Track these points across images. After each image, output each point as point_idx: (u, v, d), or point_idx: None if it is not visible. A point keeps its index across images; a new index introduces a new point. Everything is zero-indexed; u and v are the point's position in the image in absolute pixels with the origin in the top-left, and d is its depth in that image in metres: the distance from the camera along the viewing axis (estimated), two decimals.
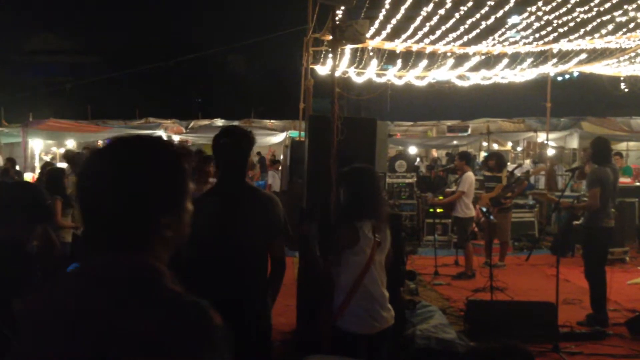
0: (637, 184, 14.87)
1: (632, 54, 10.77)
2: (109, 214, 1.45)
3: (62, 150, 20.89)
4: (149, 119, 24.31)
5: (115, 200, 1.44)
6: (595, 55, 10.91)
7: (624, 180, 14.42)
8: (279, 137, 22.19)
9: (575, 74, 15.08)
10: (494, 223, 10.05)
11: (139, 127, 23.22)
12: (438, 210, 12.64)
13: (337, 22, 6.61)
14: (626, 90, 14.33)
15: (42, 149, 22.26)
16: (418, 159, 25.91)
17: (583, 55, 10.94)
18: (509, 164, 18.33)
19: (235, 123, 26.28)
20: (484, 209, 9.47)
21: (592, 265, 7.49)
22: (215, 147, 3.80)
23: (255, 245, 3.73)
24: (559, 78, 17.65)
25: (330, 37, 6.01)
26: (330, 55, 8.91)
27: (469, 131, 27.31)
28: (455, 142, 25.50)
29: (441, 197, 12.12)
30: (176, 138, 23.62)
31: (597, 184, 7.35)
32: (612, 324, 7.28)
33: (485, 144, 26.19)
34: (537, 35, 9.64)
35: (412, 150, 26.69)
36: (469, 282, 9.66)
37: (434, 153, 27.29)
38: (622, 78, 13.44)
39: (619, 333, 6.95)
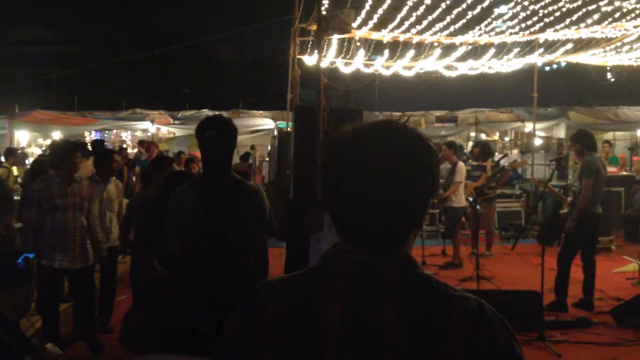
0: (624, 173, 14.99)
1: (618, 44, 10.81)
2: (407, 205, 1.33)
3: (48, 142, 20.76)
4: (137, 110, 24.17)
5: (426, 189, 1.34)
6: (582, 45, 10.94)
7: (611, 169, 14.52)
8: (268, 128, 22.14)
9: (563, 64, 15.11)
10: (480, 213, 10.10)
11: (126, 118, 23.10)
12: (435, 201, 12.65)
13: (323, 12, 6.59)
14: (612, 79, 14.38)
15: (29, 140, 22.11)
16: None
17: (569, 45, 10.97)
18: (496, 154, 18.40)
19: (224, 113, 26.22)
20: (470, 199, 9.51)
21: (572, 252, 7.61)
22: (200, 140, 3.75)
23: (242, 240, 3.71)
24: (547, 68, 17.69)
25: (316, 27, 6.01)
26: (321, 45, 8.89)
27: (458, 121, 27.37)
28: (443, 133, 25.56)
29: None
30: (164, 129, 23.54)
31: (592, 174, 7.43)
32: (597, 312, 7.36)
33: (473, 134, 26.27)
34: (523, 25, 9.65)
35: None
36: (456, 271, 9.70)
37: None
38: (608, 68, 13.48)
39: (604, 321, 7.01)
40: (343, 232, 1.37)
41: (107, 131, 23.69)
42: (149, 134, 22.93)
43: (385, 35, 10.04)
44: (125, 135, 25.11)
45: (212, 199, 3.65)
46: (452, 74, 13.39)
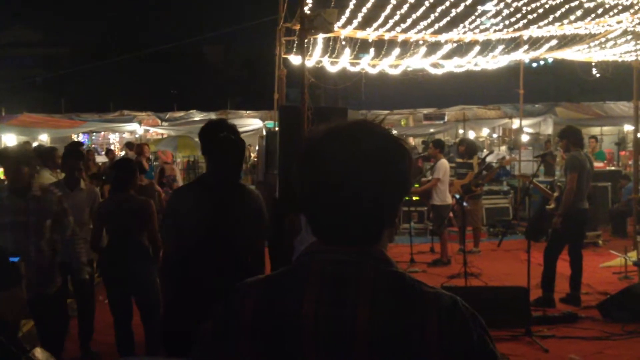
0: (612, 168, 15.08)
1: (602, 40, 10.86)
2: (380, 203, 1.33)
3: (35, 145, 20.64)
4: (124, 112, 24.07)
5: (398, 187, 1.36)
6: (566, 41, 10.99)
7: (597, 164, 14.61)
8: (255, 128, 22.12)
9: (550, 61, 15.17)
10: (467, 210, 10.14)
11: (113, 120, 23.01)
12: (414, 198, 12.71)
13: (307, 12, 6.59)
14: (598, 75, 14.47)
15: (16, 143, 21.97)
16: None
17: (554, 42, 11.02)
18: (484, 150, 18.47)
19: (212, 114, 26.17)
20: (457, 196, 9.54)
21: (558, 248, 7.67)
22: (214, 140, 3.72)
23: (243, 241, 3.75)
24: (534, 64, 17.75)
25: (299, 27, 6.00)
26: (305, 44, 8.88)
27: (445, 119, 27.47)
28: (431, 130, 25.66)
29: (417, 185, 12.19)
30: (152, 131, 23.48)
31: (576, 169, 7.47)
32: (584, 306, 7.41)
33: (461, 131, 26.36)
34: (507, 22, 9.69)
35: None
36: (444, 268, 9.73)
37: (411, 141, 27.42)
38: (593, 63, 13.56)
39: (591, 316, 7.06)
40: (317, 231, 1.38)
41: (94, 133, 23.60)
42: (136, 136, 22.87)
43: (370, 34, 10.05)
44: (113, 138, 25.03)
45: (219, 199, 3.66)
46: (439, 71, 13.41)
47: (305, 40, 9.45)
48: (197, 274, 3.64)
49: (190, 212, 3.64)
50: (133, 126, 22.46)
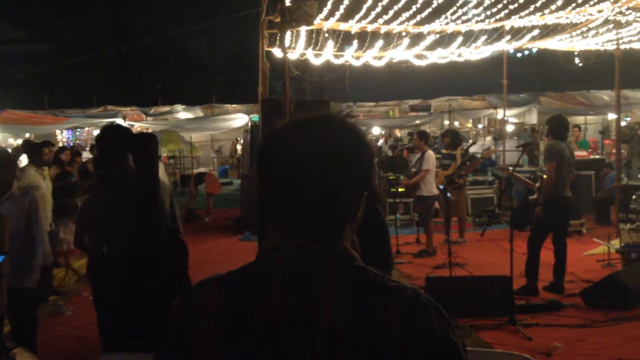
0: (596, 156, 15.18)
1: (584, 29, 10.92)
2: (340, 197, 1.32)
3: (20, 142, 20.47)
4: (108, 107, 23.93)
5: (359, 181, 1.35)
6: (548, 31, 11.04)
7: (580, 153, 14.70)
8: (241, 121, 22.05)
9: (534, 50, 15.23)
10: (451, 200, 10.18)
11: (97, 116, 22.87)
12: (400, 189, 12.75)
13: (287, 4, 6.56)
14: (581, 64, 14.55)
15: None
16: (381, 140, 26.08)
17: (536, 32, 11.06)
18: (470, 141, 18.54)
19: (197, 108, 26.08)
20: (441, 187, 9.57)
21: (540, 236, 7.71)
22: (129, 144, 3.87)
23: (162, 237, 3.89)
24: (518, 55, 17.81)
25: (280, 19, 5.98)
26: (285, 37, 8.86)
27: (431, 110, 27.53)
28: (417, 122, 25.70)
29: (402, 177, 12.23)
30: (137, 126, 23.32)
31: (554, 158, 7.51)
32: (567, 294, 7.46)
33: (447, 122, 26.44)
34: (489, 12, 9.71)
35: (376, 130, 26.85)
36: (430, 259, 9.76)
37: (397, 133, 27.47)
38: (576, 53, 13.63)
39: (574, 303, 7.11)
40: (278, 225, 1.37)
41: (78, 129, 23.44)
42: None
43: (352, 26, 10.04)
44: (97, 133, 24.87)
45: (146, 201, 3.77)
46: (423, 63, 13.44)
47: (288, 33, 9.46)
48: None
49: (125, 213, 3.79)
50: (117, 121, 22.30)
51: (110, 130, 4.77)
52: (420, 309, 1.29)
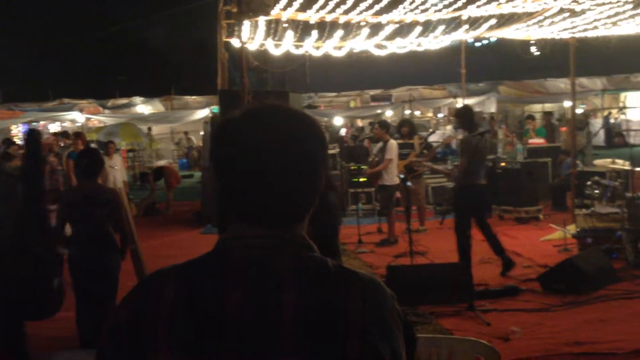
0: (552, 144, 15.43)
1: (540, 18, 11.06)
2: (293, 185, 1.32)
3: None
4: (64, 100, 23.44)
5: (311, 169, 1.34)
6: (504, 20, 11.16)
7: (537, 141, 14.98)
8: (201, 113, 21.86)
9: (493, 40, 15.39)
10: (411, 189, 10.26)
11: (53, 109, 22.41)
12: (361, 179, 12.81)
13: None
14: (537, 53, 14.77)
15: None
16: (343, 130, 26.15)
17: (493, 21, 11.17)
18: (430, 130, 18.69)
19: (156, 100, 25.75)
20: (401, 176, 9.63)
21: (463, 222, 7.86)
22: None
23: None
24: (477, 44, 18.00)
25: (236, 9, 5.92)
26: (244, 27, 8.78)
27: (392, 99, 27.70)
28: (379, 111, 25.85)
29: (364, 167, 12.28)
30: (93, 119, 22.93)
31: (466, 154, 7.76)
32: (525, 279, 7.60)
33: (408, 111, 26.63)
34: (446, 2, 9.77)
35: (338, 121, 26.89)
36: (391, 248, 9.83)
37: (359, 123, 27.59)
38: (532, 42, 13.82)
39: (532, 288, 7.24)
40: (237, 214, 1.36)
41: (34, 123, 22.93)
42: (77, 124, 22.29)
43: (311, 16, 9.99)
44: (54, 127, 24.36)
45: None
46: (383, 53, 13.46)
47: (247, 23, 9.38)
48: None
49: None
50: (74, 115, 21.91)
51: None
52: (378, 295, 1.30)
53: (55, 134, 16.60)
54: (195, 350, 1.25)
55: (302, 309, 1.25)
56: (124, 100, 24.03)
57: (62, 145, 13.18)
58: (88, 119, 22.62)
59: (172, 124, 24.67)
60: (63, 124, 23.41)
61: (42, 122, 23.34)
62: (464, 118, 8.12)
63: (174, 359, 1.26)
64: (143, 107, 24.41)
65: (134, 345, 1.29)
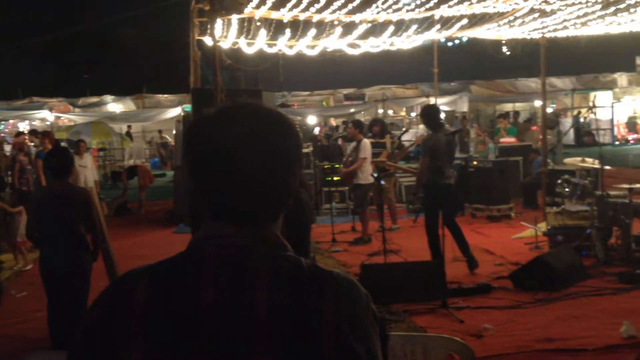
0: (523, 143, 15.62)
1: (511, 18, 11.19)
2: (266, 183, 1.32)
3: None
4: (33, 99, 23.06)
5: (285, 167, 1.34)
6: (476, 20, 11.27)
7: (508, 140, 15.15)
8: (173, 112, 21.68)
9: (465, 39, 15.51)
10: (383, 188, 10.30)
11: (22, 108, 22.04)
12: (335, 178, 12.83)
13: None
14: (508, 53, 14.94)
15: None
16: (317, 129, 26.16)
17: (465, 21, 11.26)
18: (403, 129, 18.78)
19: (127, 99, 25.47)
20: (375, 175, 9.66)
21: (431, 219, 7.89)
22: None
23: None
24: (449, 44, 18.12)
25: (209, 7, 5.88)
26: (216, 25, 8.72)
27: (366, 99, 27.78)
28: (352, 110, 25.90)
29: (338, 166, 12.29)
30: (63, 117, 22.60)
31: (426, 153, 7.86)
32: (497, 277, 7.66)
33: (381, 110, 26.74)
34: (419, 1, 9.83)
35: (312, 120, 26.90)
36: (365, 247, 9.84)
37: (333, 122, 27.62)
38: (503, 41, 13.97)
39: (504, 286, 7.30)
40: (210, 213, 1.35)
41: (2, 122, 22.53)
42: (47, 123, 21.95)
43: (284, 15, 9.98)
44: (23, 126, 23.97)
45: None
46: (356, 52, 13.49)
47: (220, 22, 9.32)
48: None
49: None
50: (43, 113, 21.56)
51: None
52: (354, 296, 1.30)
53: (21, 132, 16.29)
54: (168, 350, 1.24)
55: (275, 309, 1.24)
56: (94, 99, 23.73)
57: (32, 144, 12.96)
58: (58, 118, 22.29)
59: (143, 122, 24.42)
60: (32, 123, 23.04)
61: (11, 121, 22.97)
62: (427, 117, 8.22)
63: (147, 359, 1.25)
64: (114, 106, 24.12)
65: (107, 345, 1.28)
